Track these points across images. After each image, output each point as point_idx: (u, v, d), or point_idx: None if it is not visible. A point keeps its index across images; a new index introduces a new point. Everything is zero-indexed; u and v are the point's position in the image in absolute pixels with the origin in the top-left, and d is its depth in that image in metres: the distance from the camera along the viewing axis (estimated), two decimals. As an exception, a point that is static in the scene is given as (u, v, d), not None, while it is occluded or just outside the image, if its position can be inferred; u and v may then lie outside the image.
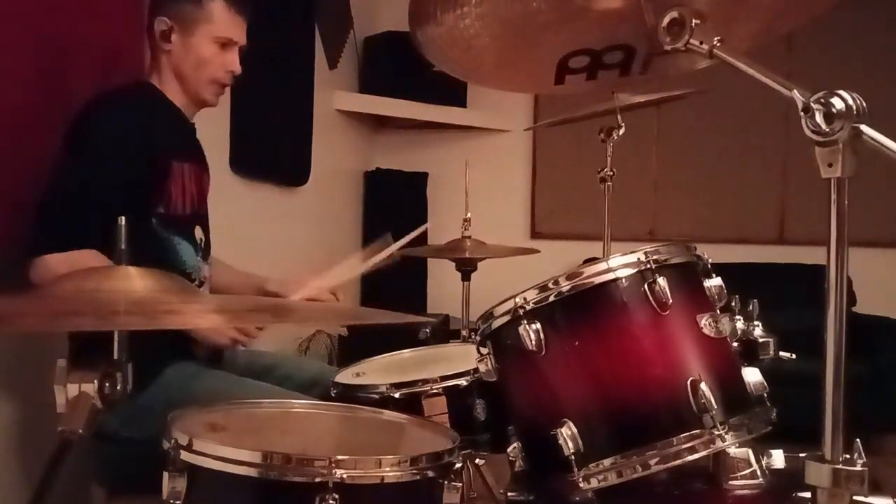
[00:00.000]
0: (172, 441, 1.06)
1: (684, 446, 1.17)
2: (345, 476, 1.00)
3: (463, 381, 1.58)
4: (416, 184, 4.70)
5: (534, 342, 1.22)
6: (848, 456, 0.91)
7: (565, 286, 1.23)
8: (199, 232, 1.89)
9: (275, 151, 3.39)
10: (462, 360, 1.62)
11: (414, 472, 1.06)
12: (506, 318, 1.27)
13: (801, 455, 0.95)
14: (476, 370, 1.47)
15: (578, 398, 1.23)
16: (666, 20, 1.12)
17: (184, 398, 1.53)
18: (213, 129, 2.03)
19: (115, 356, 0.93)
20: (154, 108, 1.81)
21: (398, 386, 1.57)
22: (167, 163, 1.77)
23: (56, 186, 1.66)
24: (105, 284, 0.90)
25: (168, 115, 1.85)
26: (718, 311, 1.28)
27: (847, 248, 0.91)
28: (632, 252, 1.24)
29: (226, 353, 1.96)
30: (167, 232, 1.77)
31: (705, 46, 1.08)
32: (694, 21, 1.09)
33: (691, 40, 1.09)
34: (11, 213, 1.77)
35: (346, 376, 1.71)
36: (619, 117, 2.33)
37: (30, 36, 1.87)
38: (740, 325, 1.33)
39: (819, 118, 0.89)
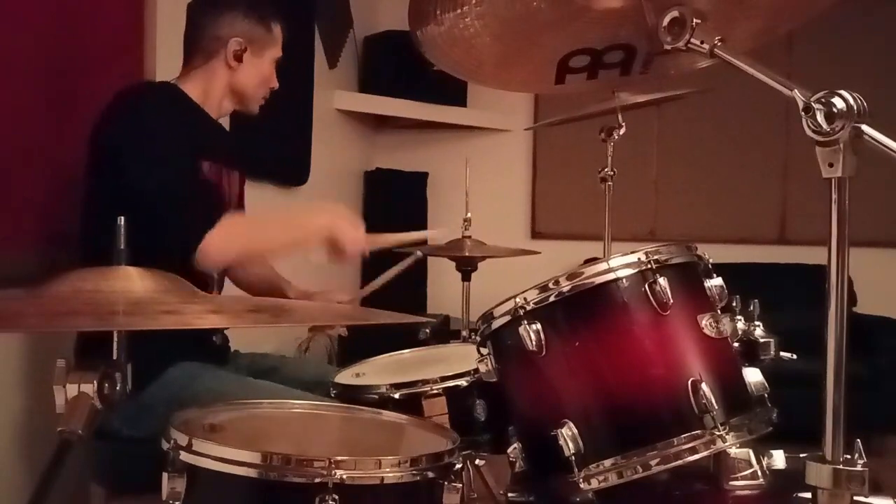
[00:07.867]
0: (172, 442, 1.05)
1: (685, 447, 1.17)
2: (344, 477, 0.99)
3: (463, 382, 1.58)
4: (416, 184, 4.70)
5: (534, 342, 1.22)
6: (848, 456, 0.91)
7: (566, 286, 1.23)
8: None
9: (275, 151, 3.38)
10: (462, 360, 1.61)
11: (414, 472, 1.05)
12: (506, 319, 1.27)
13: (802, 455, 0.95)
14: (476, 371, 1.47)
15: (579, 398, 1.23)
16: (666, 20, 1.11)
17: (185, 397, 1.54)
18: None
19: (115, 356, 0.93)
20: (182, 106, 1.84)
21: (398, 386, 1.57)
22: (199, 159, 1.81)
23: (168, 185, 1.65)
24: (104, 285, 0.90)
25: (195, 114, 1.88)
26: (719, 312, 1.28)
27: (848, 248, 0.91)
28: (632, 252, 1.24)
29: (227, 354, 1.96)
30: None
31: (706, 46, 1.08)
32: (694, 20, 1.09)
33: (692, 40, 1.09)
34: (14, 212, 1.77)
35: (346, 376, 1.71)
36: (619, 117, 2.33)
37: (31, 35, 1.87)
38: (741, 325, 1.33)
39: (820, 118, 0.89)
